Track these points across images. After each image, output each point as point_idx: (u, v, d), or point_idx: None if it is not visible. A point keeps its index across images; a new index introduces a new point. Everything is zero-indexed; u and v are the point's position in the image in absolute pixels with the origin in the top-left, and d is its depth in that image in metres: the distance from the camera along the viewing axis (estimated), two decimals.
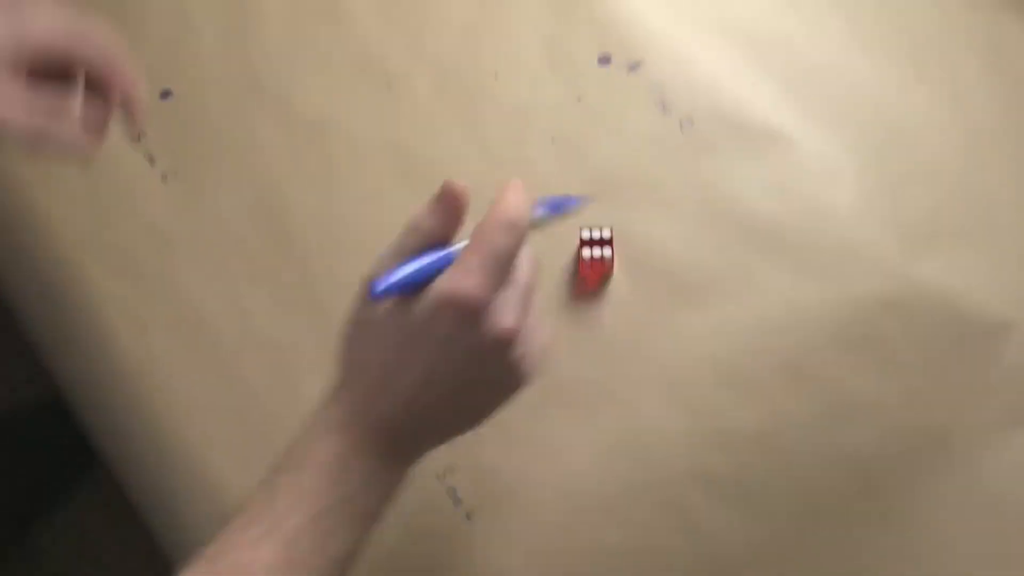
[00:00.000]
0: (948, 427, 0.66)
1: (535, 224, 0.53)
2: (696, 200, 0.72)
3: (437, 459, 0.64)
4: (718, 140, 0.73)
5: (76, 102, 0.56)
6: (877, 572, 0.64)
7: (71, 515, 1.21)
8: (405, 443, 0.52)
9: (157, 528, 0.69)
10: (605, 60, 0.76)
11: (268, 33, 0.79)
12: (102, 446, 0.72)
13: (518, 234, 0.50)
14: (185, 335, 0.71)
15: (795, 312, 0.69)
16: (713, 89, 0.75)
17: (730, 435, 0.66)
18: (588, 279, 0.70)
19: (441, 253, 0.50)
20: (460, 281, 0.48)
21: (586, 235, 0.69)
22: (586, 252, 0.69)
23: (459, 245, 0.51)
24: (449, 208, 0.52)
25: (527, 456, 0.67)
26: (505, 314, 0.50)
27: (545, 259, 0.69)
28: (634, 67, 0.75)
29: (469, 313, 0.48)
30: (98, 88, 0.57)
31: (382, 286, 0.49)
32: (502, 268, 0.49)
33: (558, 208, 0.54)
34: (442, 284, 0.49)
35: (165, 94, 0.77)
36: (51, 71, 0.55)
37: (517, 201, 0.50)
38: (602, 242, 0.69)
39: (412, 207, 0.70)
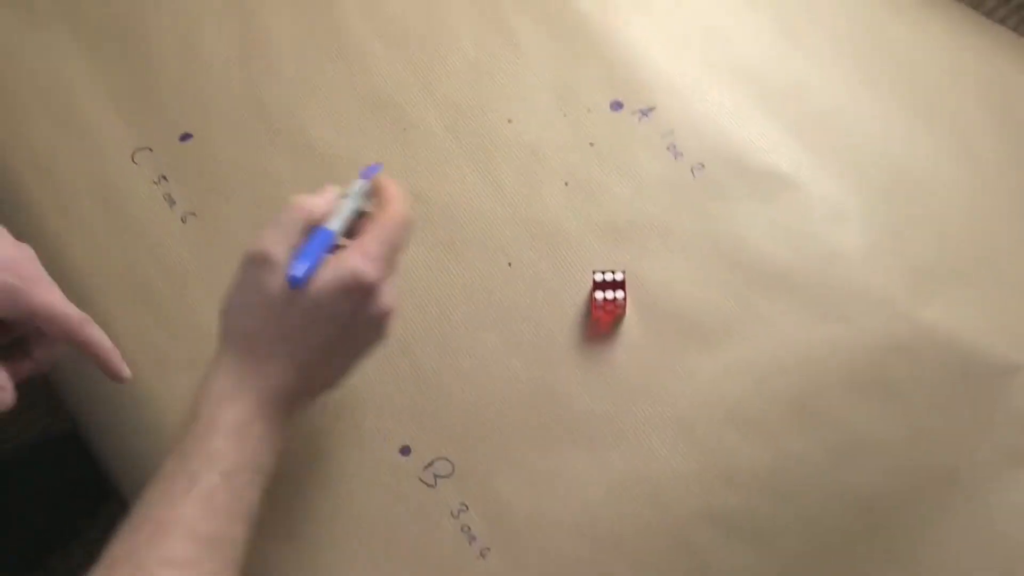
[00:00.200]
0: (953, 467, 0.66)
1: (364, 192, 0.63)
2: (706, 243, 0.73)
3: (452, 497, 0.67)
4: (728, 184, 0.74)
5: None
6: None
7: (89, 546, 1.22)
8: (296, 404, 0.60)
9: None
10: (617, 106, 0.77)
11: (283, 76, 0.80)
12: (120, 478, 0.72)
13: (410, 231, 0.61)
14: (203, 370, 0.72)
15: (803, 353, 0.69)
16: (723, 135, 0.75)
17: (739, 474, 0.66)
18: (601, 321, 0.71)
19: (327, 235, 0.58)
20: (366, 267, 0.57)
21: (599, 278, 0.70)
22: (599, 294, 0.69)
23: (334, 225, 0.59)
24: (327, 196, 0.61)
25: (540, 493, 0.67)
26: (391, 295, 0.59)
27: (559, 301, 0.72)
28: (645, 113, 0.76)
29: (368, 294, 0.57)
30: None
31: (301, 273, 0.56)
32: (395, 258, 0.60)
33: (368, 175, 0.63)
34: (348, 268, 0.57)
35: (184, 136, 0.78)
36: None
37: (406, 201, 0.61)
38: (615, 285, 0.70)
39: (426, 245, 0.71)
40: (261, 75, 0.80)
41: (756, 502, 0.66)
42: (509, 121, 0.77)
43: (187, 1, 0.83)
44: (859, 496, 0.65)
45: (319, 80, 0.80)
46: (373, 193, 0.62)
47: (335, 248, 0.59)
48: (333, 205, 0.60)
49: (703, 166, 0.74)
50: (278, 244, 0.57)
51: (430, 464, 0.68)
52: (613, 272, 0.70)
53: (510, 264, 0.73)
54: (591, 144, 0.76)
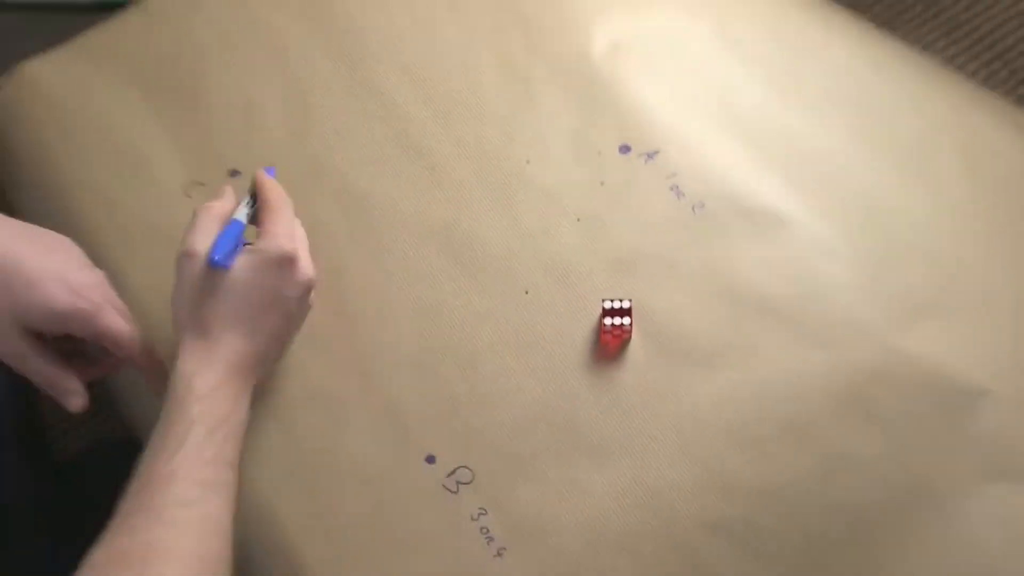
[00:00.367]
0: (931, 481, 0.67)
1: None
2: (707, 276, 0.74)
3: (472, 502, 0.67)
4: (727, 223, 0.76)
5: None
6: None
7: None
8: (255, 367, 0.66)
9: None
10: (625, 149, 0.79)
11: (326, 120, 0.82)
12: None
13: (292, 207, 0.69)
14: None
15: (795, 378, 0.70)
16: (722, 176, 0.77)
17: (737, 486, 0.67)
18: (609, 345, 0.72)
19: (238, 225, 0.67)
20: (281, 242, 0.66)
21: (608, 305, 0.71)
22: (607, 320, 0.71)
23: (240, 216, 0.67)
24: (234, 195, 0.70)
25: (552, 500, 0.68)
26: (307, 262, 0.68)
27: (571, 326, 0.73)
28: (651, 156, 0.78)
29: (291, 263, 0.66)
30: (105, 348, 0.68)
31: (219, 255, 0.64)
32: (295, 232, 0.68)
33: (272, 172, 0.73)
34: (276, 247, 0.65)
35: (233, 173, 0.80)
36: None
37: (279, 187, 0.70)
38: (622, 312, 0.71)
39: (451, 274, 0.74)
40: (306, 121, 0.82)
41: (753, 512, 0.66)
42: (527, 162, 0.79)
43: (239, 61, 0.86)
44: (846, 509, 0.66)
45: (358, 127, 0.82)
46: (256, 189, 0.70)
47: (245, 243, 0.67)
48: (237, 203, 0.69)
49: (703, 205, 0.76)
50: (200, 242, 0.65)
51: (453, 472, 0.69)
52: (621, 300, 0.71)
53: (527, 292, 0.75)
54: (601, 183, 0.78)
